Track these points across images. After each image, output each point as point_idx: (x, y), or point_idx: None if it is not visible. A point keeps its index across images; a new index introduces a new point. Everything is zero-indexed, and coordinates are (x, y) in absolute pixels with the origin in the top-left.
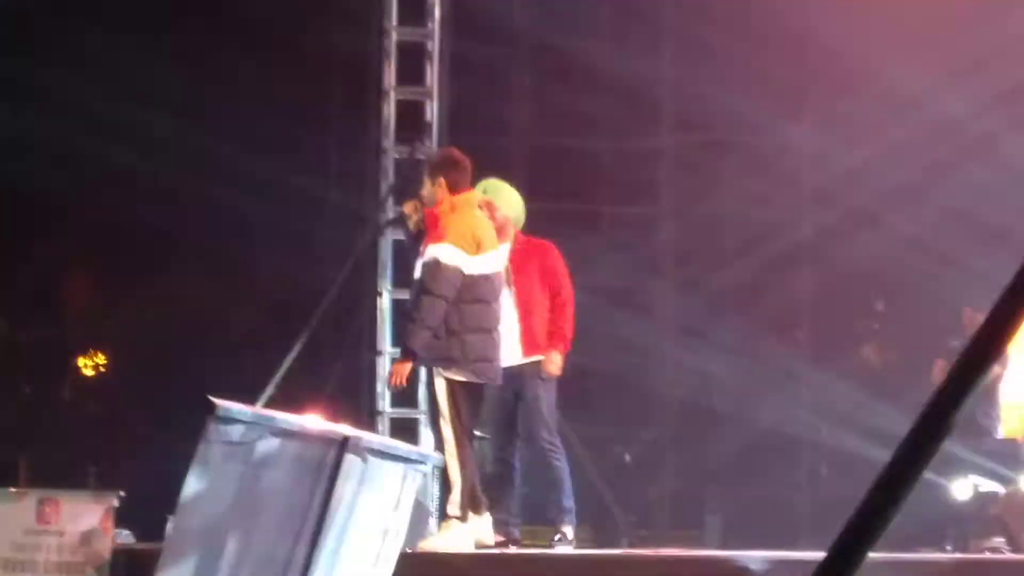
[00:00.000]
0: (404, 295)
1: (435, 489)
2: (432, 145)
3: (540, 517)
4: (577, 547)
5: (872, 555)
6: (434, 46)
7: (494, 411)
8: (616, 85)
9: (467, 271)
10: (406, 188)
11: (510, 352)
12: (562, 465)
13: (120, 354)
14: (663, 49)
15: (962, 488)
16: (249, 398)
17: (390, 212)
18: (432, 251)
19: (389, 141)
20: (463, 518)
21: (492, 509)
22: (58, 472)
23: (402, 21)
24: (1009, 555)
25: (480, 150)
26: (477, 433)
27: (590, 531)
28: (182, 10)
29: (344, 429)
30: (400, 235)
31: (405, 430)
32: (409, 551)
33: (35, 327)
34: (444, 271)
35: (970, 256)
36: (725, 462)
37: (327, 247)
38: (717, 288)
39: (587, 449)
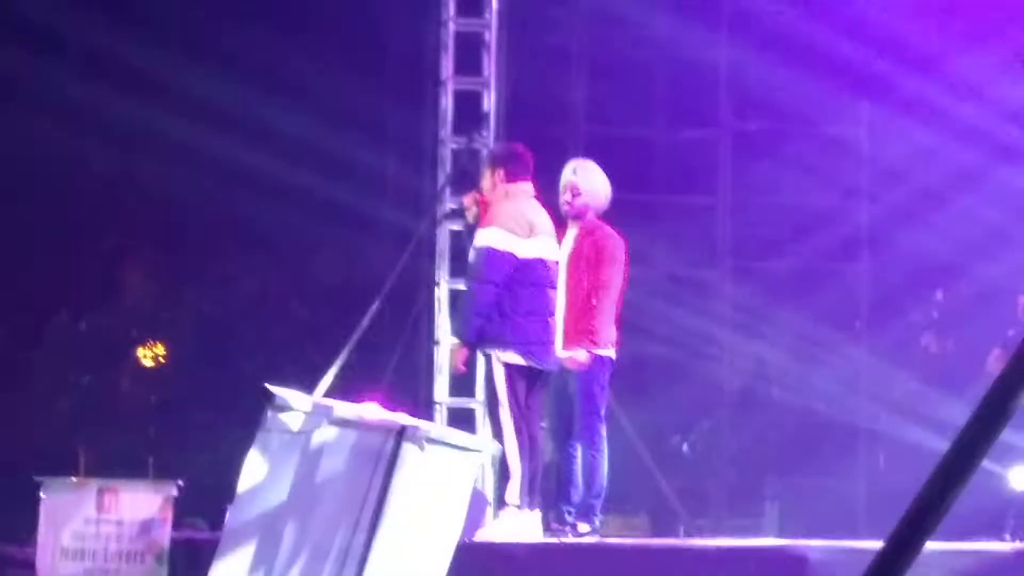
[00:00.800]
0: (461, 285)
1: (493, 478)
2: (489, 135)
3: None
4: (634, 536)
5: (930, 545)
6: (491, 36)
7: (550, 403)
8: (672, 73)
9: (520, 255)
10: (463, 178)
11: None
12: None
13: (179, 344)
14: (720, 35)
15: (1021, 477)
16: (307, 387)
17: (448, 202)
18: (480, 236)
19: (447, 132)
20: (521, 507)
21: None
22: (117, 462)
23: (460, 12)
24: None
25: (536, 140)
26: (543, 425)
27: (647, 520)
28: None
29: (402, 418)
30: (457, 225)
31: (463, 419)
32: (467, 540)
33: (95, 317)
34: (491, 255)
35: None
36: (782, 451)
37: (386, 237)
38: (774, 276)
39: (644, 438)
